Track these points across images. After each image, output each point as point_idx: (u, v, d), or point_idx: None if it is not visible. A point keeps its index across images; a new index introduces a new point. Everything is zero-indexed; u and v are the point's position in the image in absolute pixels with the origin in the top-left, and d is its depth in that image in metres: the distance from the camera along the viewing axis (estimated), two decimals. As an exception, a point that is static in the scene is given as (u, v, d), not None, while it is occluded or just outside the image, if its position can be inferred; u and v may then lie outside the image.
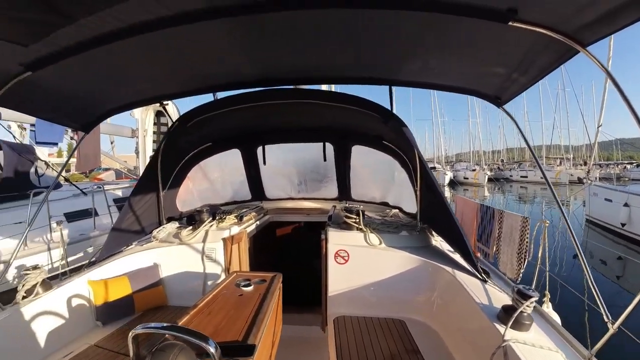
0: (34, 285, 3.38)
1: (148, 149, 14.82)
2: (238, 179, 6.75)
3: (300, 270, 4.55)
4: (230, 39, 2.79)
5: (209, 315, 2.60)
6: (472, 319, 2.96)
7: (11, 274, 6.46)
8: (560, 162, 56.01)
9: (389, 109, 4.35)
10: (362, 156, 5.98)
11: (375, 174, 6.11)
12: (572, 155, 62.78)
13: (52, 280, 3.70)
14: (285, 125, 5.90)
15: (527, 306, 2.50)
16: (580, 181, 23.19)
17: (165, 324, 1.92)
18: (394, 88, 4.23)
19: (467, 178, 49.16)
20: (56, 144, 12.30)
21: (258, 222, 5.54)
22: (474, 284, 3.28)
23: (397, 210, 5.43)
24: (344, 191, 6.46)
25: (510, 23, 2.14)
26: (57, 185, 8.97)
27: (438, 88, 3.77)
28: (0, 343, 2.97)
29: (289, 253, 6.67)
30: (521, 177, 50.90)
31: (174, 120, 4.73)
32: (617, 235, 15.06)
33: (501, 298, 3.03)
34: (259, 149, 6.41)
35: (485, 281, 3.38)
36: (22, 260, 6.58)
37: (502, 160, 77.54)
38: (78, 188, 9.44)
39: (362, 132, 5.51)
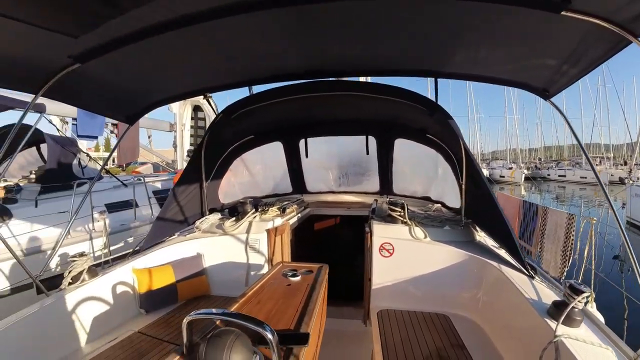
0: (80, 272, 3.44)
1: (186, 143, 15.07)
2: (279, 171, 6.76)
3: (340, 263, 4.54)
4: (276, 30, 2.76)
5: (259, 304, 2.60)
6: (521, 314, 2.88)
7: (54, 261, 6.65)
8: (600, 162, 53.69)
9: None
10: (404, 149, 5.88)
11: (418, 167, 6.00)
12: (612, 155, 60.56)
13: (96, 268, 3.76)
14: (327, 117, 5.86)
15: (579, 302, 2.42)
16: (621, 181, 22.24)
17: (222, 310, 1.91)
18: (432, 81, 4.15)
19: (504, 176, 47.95)
20: (96, 137, 12.61)
21: (299, 215, 5.53)
22: (522, 280, 3.18)
23: (439, 205, 5.33)
24: (386, 185, 6.37)
25: (562, 13, 2.09)
26: (99, 177, 9.17)
27: (485, 80, 3.62)
28: (48, 328, 3.03)
29: (328, 246, 6.64)
30: (559, 176, 49.16)
31: (215, 114, 4.78)
32: (659, 238, 14.22)
33: (549, 294, 2.93)
34: (301, 142, 6.39)
35: (532, 277, 3.28)
36: (66, 249, 6.75)
37: (540, 159, 75.62)
38: (119, 180, 9.63)
39: (405, 124, 5.42)
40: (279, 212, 5.10)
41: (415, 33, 2.81)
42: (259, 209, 5.04)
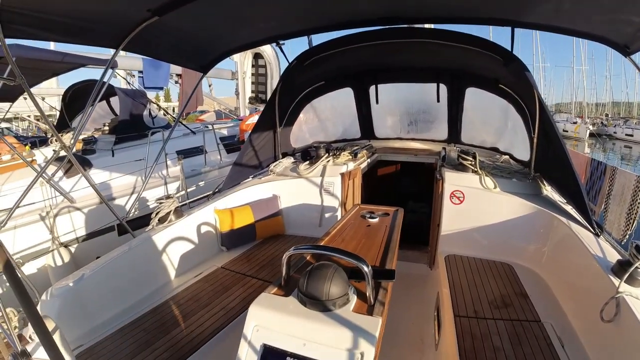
0: (168, 213, 3.69)
1: (247, 90, 15.21)
2: (347, 117, 6.76)
3: (406, 209, 4.61)
4: None
5: (343, 242, 2.68)
6: (585, 270, 2.92)
7: (135, 205, 7.10)
8: None
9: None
10: (475, 99, 5.73)
11: (488, 117, 5.85)
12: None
13: (180, 209, 4.00)
14: (399, 64, 5.83)
15: None
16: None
17: (321, 245, 2.06)
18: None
19: (567, 131, 44.51)
20: (162, 88, 12.96)
21: (369, 160, 5.57)
22: (588, 237, 3.16)
23: (507, 157, 5.21)
24: (454, 134, 6.25)
25: None
26: (167, 126, 9.50)
27: (564, 32, 3.48)
28: (140, 264, 3.33)
29: (394, 191, 6.72)
30: (626, 135, 44.68)
31: (277, 61, 4.86)
32: None
33: (613, 254, 2.90)
34: (372, 88, 6.34)
35: (598, 235, 3.25)
36: (144, 194, 7.15)
37: (607, 115, 69.79)
38: (188, 128, 9.94)
39: (478, 74, 5.26)
40: (350, 157, 5.18)
41: None
42: (331, 153, 5.13)
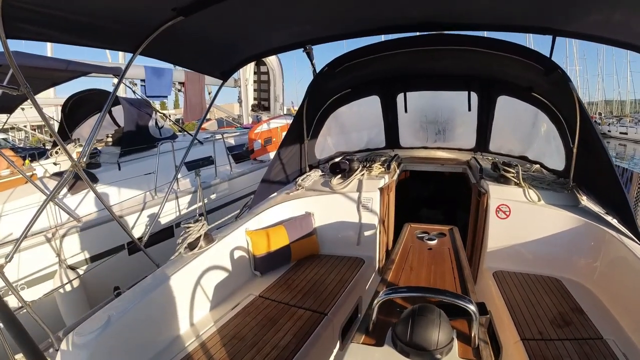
0: (197, 238, 3.31)
1: (250, 97, 14.97)
2: (372, 126, 6.53)
3: (438, 221, 4.37)
4: None
5: (412, 271, 2.53)
6: None
7: (142, 221, 6.71)
8: None
9: None
10: (504, 106, 5.56)
11: (517, 126, 5.70)
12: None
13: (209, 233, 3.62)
14: (429, 72, 5.64)
15: None
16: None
17: (415, 287, 1.95)
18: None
19: None
20: (165, 96, 12.62)
21: (398, 171, 5.35)
22: (638, 249, 3.09)
23: (538, 166, 5.03)
24: (482, 142, 6.06)
25: None
26: (173, 137, 9.13)
27: (606, 42, 3.41)
28: (170, 298, 2.94)
29: (423, 202, 6.54)
30: (620, 133, 45.17)
31: (322, 69, 4.64)
32: None
33: None
34: (399, 96, 6.11)
35: None
36: (154, 209, 6.78)
37: (600, 114, 70.63)
38: (196, 138, 9.52)
39: (512, 82, 5.07)
40: (383, 169, 4.93)
41: None
42: (365, 165, 4.88)
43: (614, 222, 3.71)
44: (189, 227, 3.30)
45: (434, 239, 3.08)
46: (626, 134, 44.02)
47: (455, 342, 1.66)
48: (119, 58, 15.32)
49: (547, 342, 2.75)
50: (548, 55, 3.99)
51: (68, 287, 5.32)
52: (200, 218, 3.41)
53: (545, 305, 3.22)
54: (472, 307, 1.64)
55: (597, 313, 3.10)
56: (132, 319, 2.58)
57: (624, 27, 2.99)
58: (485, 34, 4.23)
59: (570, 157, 4.10)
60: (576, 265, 3.75)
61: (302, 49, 4.37)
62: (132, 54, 3.19)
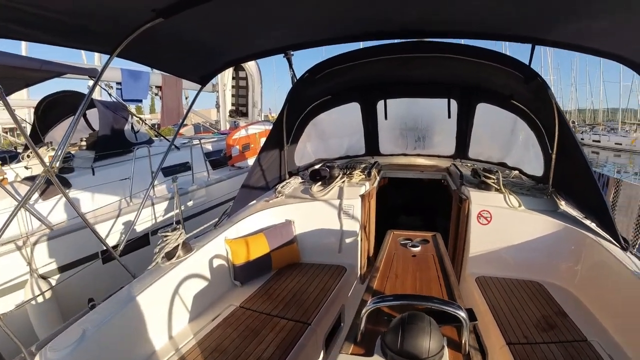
0: (175, 247, 3.22)
1: (227, 103, 14.85)
2: (351, 133, 6.56)
3: (417, 227, 4.46)
4: None
5: (397, 279, 2.55)
6: (623, 285, 2.92)
7: (117, 229, 6.53)
8: (637, 129, 50.95)
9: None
10: (483, 114, 5.62)
11: (497, 133, 5.77)
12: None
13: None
14: (409, 79, 5.68)
15: None
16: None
17: (403, 295, 1.98)
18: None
19: None
20: (141, 100, 12.42)
21: (378, 178, 5.37)
22: (618, 252, 3.19)
23: (517, 172, 5.12)
24: (461, 149, 6.13)
25: None
26: (149, 141, 8.97)
27: (586, 51, 3.45)
28: (149, 310, 2.84)
29: (401, 209, 6.55)
30: (593, 141, 46.47)
31: (294, 73, 4.67)
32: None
33: None
34: (380, 103, 6.15)
35: (625, 249, 3.25)
36: (128, 216, 6.62)
37: (574, 122, 72.44)
38: (173, 144, 9.37)
39: (491, 89, 5.14)
40: (363, 176, 4.93)
41: None
42: (346, 173, 4.89)
43: (593, 225, 3.78)
44: (166, 236, 3.21)
45: (417, 246, 3.09)
46: (599, 141, 45.18)
47: (446, 350, 1.65)
48: (95, 59, 15.04)
49: (532, 345, 2.79)
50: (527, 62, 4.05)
51: (40, 298, 5.12)
52: (177, 226, 3.32)
53: (529, 310, 3.26)
54: (462, 314, 1.64)
55: (580, 316, 3.15)
56: (108, 333, 2.48)
57: (603, 36, 3.05)
58: (463, 41, 4.26)
59: (549, 163, 4.16)
60: (558, 269, 3.81)
61: (283, 54, 4.35)
62: (109, 56, 3.09)
